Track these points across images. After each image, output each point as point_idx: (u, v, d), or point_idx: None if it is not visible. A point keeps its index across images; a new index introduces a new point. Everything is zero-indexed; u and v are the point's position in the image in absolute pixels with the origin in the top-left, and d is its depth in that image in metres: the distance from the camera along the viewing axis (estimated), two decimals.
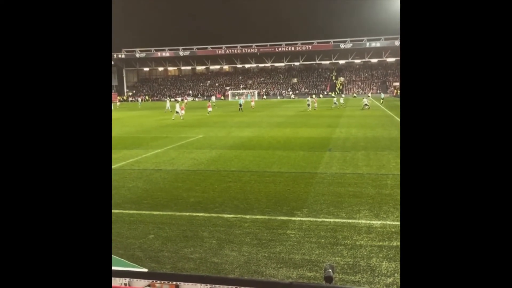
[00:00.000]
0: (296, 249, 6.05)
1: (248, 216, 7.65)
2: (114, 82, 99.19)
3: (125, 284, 2.77)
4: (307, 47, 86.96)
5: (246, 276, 5.15)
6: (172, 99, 79.59)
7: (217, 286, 2.66)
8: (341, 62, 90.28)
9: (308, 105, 40.70)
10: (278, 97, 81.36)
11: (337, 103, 45.02)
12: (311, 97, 50.28)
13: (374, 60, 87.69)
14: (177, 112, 32.30)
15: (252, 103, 45.92)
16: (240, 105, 42.80)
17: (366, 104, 40.06)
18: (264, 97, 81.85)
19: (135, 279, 2.81)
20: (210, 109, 38.52)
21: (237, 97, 78.28)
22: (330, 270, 2.70)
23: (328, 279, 2.64)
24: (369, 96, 50.25)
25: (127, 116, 37.42)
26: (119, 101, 73.96)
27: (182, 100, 61.02)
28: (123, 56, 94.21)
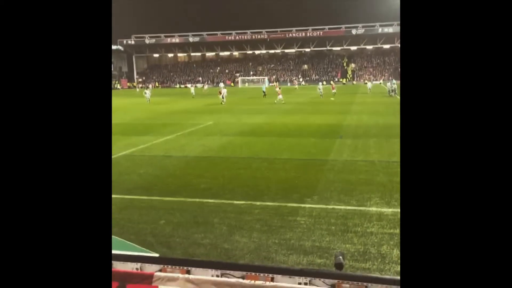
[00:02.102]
0: (306, 236, 6.05)
1: (258, 203, 7.66)
2: (124, 69, 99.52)
3: (137, 269, 2.79)
4: (318, 33, 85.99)
5: (256, 262, 5.18)
6: (182, 86, 79.69)
7: (227, 271, 2.66)
8: (353, 48, 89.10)
9: (320, 93, 39.86)
10: (289, 83, 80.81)
11: (321, 91, 40.90)
12: (322, 84, 49.20)
13: (387, 46, 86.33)
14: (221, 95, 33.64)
15: (277, 89, 39.89)
16: (264, 92, 41.85)
17: (392, 90, 37.71)
18: (275, 83, 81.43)
19: (146, 264, 2.82)
20: (222, 97, 34.34)
21: (247, 84, 77.95)
22: (340, 257, 2.68)
23: (339, 266, 2.62)
24: (391, 81, 42.50)
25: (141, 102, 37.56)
26: (129, 87, 74.18)
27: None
28: (132, 42, 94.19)
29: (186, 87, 75.24)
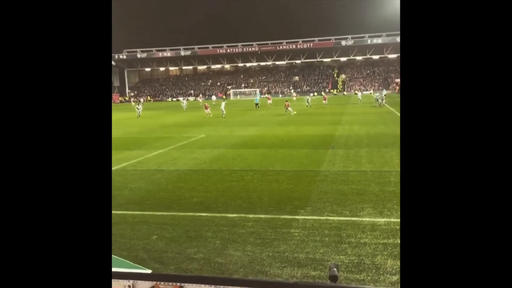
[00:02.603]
0: (300, 248, 6.02)
1: (251, 216, 7.62)
2: (116, 83, 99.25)
3: (129, 286, 2.74)
4: (308, 44, 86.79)
5: (250, 276, 5.13)
6: (174, 99, 79.70)
7: (221, 287, 2.63)
8: (343, 59, 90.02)
9: (308, 104, 40.74)
10: (280, 95, 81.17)
11: (309, 103, 41.48)
12: (313, 95, 49.78)
13: (376, 57, 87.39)
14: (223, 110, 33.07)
15: (269, 101, 44.31)
16: (257, 104, 41.98)
17: (378, 100, 38.47)
18: (266, 95, 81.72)
19: (139, 281, 2.78)
20: (208, 110, 34.39)
21: (238, 96, 78.00)
22: (335, 269, 2.67)
23: (333, 278, 2.60)
24: (382, 91, 44.00)
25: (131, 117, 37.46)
26: (121, 101, 74.02)
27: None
28: (124, 56, 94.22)
29: (178, 100, 75.17)
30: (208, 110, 34.41)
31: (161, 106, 56.11)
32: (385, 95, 40.74)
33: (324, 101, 41.93)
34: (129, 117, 37.52)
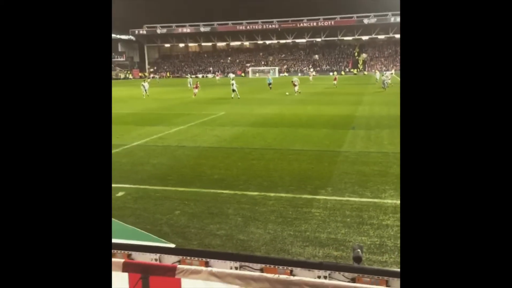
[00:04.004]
0: (321, 228, 6.04)
1: (272, 194, 7.65)
2: (136, 59, 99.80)
3: (156, 260, 2.80)
4: (329, 22, 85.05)
5: (272, 254, 5.18)
6: (193, 76, 79.79)
7: (246, 263, 2.66)
8: (364, 38, 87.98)
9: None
10: (299, 74, 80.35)
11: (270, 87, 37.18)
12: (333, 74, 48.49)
13: (399, 36, 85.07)
14: (234, 91, 29.55)
15: (296, 88, 32.69)
16: (270, 84, 38.02)
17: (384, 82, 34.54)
18: (286, 74, 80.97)
19: (165, 255, 2.83)
20: (196, 90, 31.30)
21: (257, 74, 77.39)
22: (359, 250, 2.66)
23: (357, 259, 2.59)
24: (388, 72, 41.76)
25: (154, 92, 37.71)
26: (140, 77, 74.40)
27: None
28: (144, 32, 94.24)
29: (197, 77, 75.24)
30: (196, 90, 31.38)
31: (180, 83, 56.22)
32: (391, 74, 38.79)
33: (334, 81, 41.05)
34: (150, 92, 37.78)
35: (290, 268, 2.39)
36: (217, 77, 64.31)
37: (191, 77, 49.56)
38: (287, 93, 32.28)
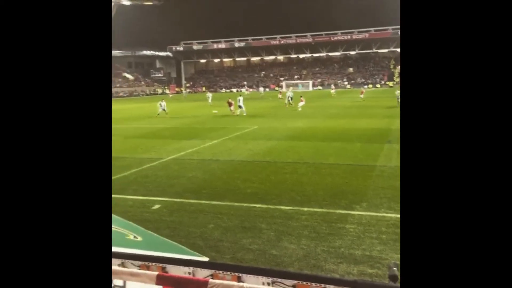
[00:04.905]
0: (356, 245, 5.91)
1: (305, 209, 7.59)
2: (173, 74, 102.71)
3: (189, 273, 2.84)
4: (364, 35, 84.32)
5: (306, 270, 5.12)
6: (228, 90, 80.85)
7: (278, 279, 2.65)
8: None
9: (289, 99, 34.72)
10: (333, 87, 79.86)
11: (291, 101, 34.74)
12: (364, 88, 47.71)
13: None
14: (240, 107, 28.18)
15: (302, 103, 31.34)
16: (290, 98, 35.29)
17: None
18: (319, 87, 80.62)
19: (198, 269, 2.87)
20: (232, 108, 28.69)
21: (291, 88, 77.45)
22: (395, 268, 2.59)
23: (393, 277, 2.52)
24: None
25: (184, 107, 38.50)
26: (177, 92, 76.19)
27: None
28: (181, 48, 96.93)
29: (231, 91, 76.27)
30: (232, 107, 28.72)
31: (215, 97, 57.14)
32: None
33: (360, 95, 40.47)
34: (184, 107, 38.63)
35: (323, 285, 2.36)
36: (246, 92, 65.25)
37: (210, 93, 49.36)
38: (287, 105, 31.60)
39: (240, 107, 28.05)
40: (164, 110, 29.50)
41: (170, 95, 57.43)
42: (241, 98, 29.00)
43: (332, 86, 63.63)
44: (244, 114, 27.64)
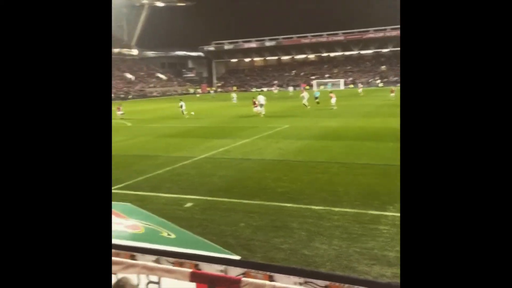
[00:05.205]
0: (390, 246, 5.79)
1: (337, 209, 7.50)
2: (205, 74, 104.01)
3: (221, 271, 2.87)
4: (397, 32, 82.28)
5: (338, 271, 5.07)
6: (258, 89, 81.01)
7: (310, 279, 2.63)
8: None
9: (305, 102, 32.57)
10: (360, 85, 78.41)
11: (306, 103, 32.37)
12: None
13: None
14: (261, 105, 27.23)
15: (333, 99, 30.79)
16: (317, 98, 34.63)
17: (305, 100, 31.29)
18: (351, 86, 79.45)
19: (231, 267, 2.89)
20: (257, 108, 27.04)
21: (322, 87, 76.72)
22: None
23: None
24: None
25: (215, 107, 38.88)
26: (208, 92, 77.04)
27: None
28: (212, 48, 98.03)
29: (262, 90, 76.45)
30: (258, 108, 27.07)
31: (246, 96, 57.43)
32: None
33: (391, 94, 38.78)
34: (215, 106, 39.03)
35: (356, 287, 2.33)
36: (275, 91, 65.43)
37: (235, 92, 48.35)
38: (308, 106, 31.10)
39: (261, 105, 27.05)
40: (182, 111, 28.65)
41: (197, 95, 58.11)
42: (261, 97, 27.75)
43: (360, 85, 62.04)
44: (263, 113, 26.60)
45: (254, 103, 27.69)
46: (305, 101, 32.20)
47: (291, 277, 2.69)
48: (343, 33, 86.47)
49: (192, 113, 29.49)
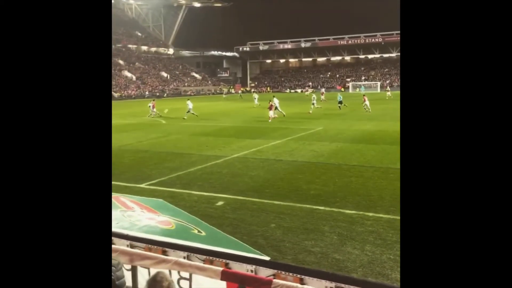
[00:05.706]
0: None
1: (370, 214, 7.32)
2: (239, 74, 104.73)
3: (251, 271, 2.84)
4: None
5: (370, 278, 4.92)
6: (292, 91, 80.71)
7: (341, 285, 2.55)
8: None
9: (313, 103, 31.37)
10: (389, 88, 76.24)
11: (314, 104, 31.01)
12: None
13: None
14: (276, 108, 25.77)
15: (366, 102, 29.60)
16: (340, 102, 32.22)
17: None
18: (388, 88, 77.63)
19: (261, 267, 2.85)
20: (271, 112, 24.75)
21: (357, 89, 75.47)
22: None
23: None
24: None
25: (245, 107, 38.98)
26: (242, 92, 77.25)
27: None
28: (247, 49, 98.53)
29: (296, 92, 76.12)
30: (272, 113, 24.59)
31: (280, 97, 57.36)
32: None
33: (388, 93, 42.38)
34: (249, 106, 39.12)
35: None
36: (306, 92, 64.92)
37: (256, 93, 46.50)
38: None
39: (276, 108, 25.57)
40: (189, 111, 26.91)
41: (224, 96, 58.57)
42: (276, 100, 26.56)
43: (388, 88, 60.44)
44: (275, 116, 25.00)
45: (271, 106, 24.98)
46: (314, 102, 31.16)
47: (322, 281, 2.62)
48: (382, 35, 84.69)
49: (166, 110, 29.18)
